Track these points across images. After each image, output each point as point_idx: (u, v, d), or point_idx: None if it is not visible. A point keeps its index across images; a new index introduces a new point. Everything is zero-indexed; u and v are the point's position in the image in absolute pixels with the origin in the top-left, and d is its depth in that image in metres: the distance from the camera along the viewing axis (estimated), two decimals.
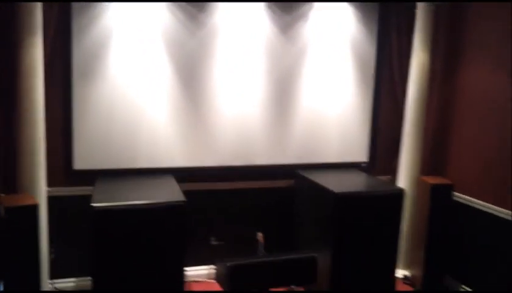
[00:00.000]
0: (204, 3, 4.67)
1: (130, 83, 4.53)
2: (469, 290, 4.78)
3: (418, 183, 5.01)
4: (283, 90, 5.07)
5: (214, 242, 5.07)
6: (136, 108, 4.58)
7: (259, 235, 5.20)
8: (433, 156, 5.31)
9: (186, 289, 3.90)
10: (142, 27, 4.53)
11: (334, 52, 5.20)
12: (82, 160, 4.48)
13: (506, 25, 4.37)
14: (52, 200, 4.24)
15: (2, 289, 3.74)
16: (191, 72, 4.72)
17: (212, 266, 4.99)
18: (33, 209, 3.50)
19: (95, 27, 4.38)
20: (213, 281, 4.91)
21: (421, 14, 4.94)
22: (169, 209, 3.73)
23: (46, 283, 4.20)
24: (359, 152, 5.48)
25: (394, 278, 4.63)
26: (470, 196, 4.78)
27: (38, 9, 3.88)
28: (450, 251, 5.00)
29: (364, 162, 5.51)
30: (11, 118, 3.96)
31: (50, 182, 4.28)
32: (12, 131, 3.95)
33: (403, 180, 5.17)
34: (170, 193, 3.99)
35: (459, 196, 4.91)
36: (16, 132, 3.90)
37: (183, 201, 3.77)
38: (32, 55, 3.84)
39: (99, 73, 4.43)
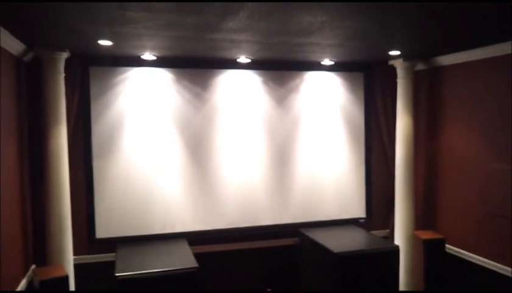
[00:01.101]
0: (207, 83, 5.23)
1: (143, 157, 5.03)
2: None
3: (412, 238, 5.36)
4: (282, 155, 5.54)
5: None
6: (149, 180, 5.05)
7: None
8: (424, 211, 5.71)
9: None
10: (153, 107, 5.08)
11: (327, 118, 5.72)
12: (103, 229, 4.93)
13: (477, 89, 4.86)
14: (77, 267, 4.63)
15: None
16: (198, 145, 5.23)
17: None
18: (65, 279, 3.90)
19: (111, 109, 4.94)
20: None
21: (402, 81, 5.44)
22: (184, 275, 4.11)
23: None
24: (357, 209, 5.88)
25: None
26: (462, 248, 5.11)
27: (62, 95, 4.42)
28: None
29: (362, 218, 5.89)
30: (41, 195, 4.44)
31: (76, 251, 4.70)
32: (41, 207, 4.42)
33: (399, 235, 5.52)
34: (184, 258, 4.38)
35: (452, 249, 5.24)
36: (45, 208, 4.35)
37: (196, 267, 4.16)
38: (57, 140, 4.35)
39: (115, 151, 4.95)
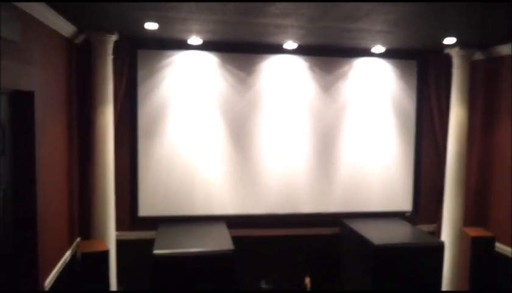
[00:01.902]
0: (252, 68, 5.21)
1: (186, 140, 5.12)
2: None
3: (460, 235, 5.13)
4: (326, 143, 5.44)
5: (264, 286, 5.42)
6: (192, 162, 5.14)
7: (307, 280, 5.49)
8: (474, 208, 5.43)
9: None
10: (198, 90, 5.13)
11: (375, 106, 5.53)
12: (146, 208, 5.08)
13: None
14: (120, 243, 4.82)
15: None
16: (241, 130, 5.24)
17: None
18: (105, 254, 4.06)
19: (157, 92, 5.05)
20: None
21: (458, 71, 5.17)
22: (220, 257, 4.17)
23: None
24: (403, 202, 5.69)
25: None
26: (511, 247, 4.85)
27: (109, 78, 4.57)
28: None
29: (407, 211, 5.70)
30: (87, 172, 4.63)
31: (119, 227, 4.89)
32: (87, 184, 4.61)
33: (446, 230, 5.30)
34: (221, 241, 4.44)
35: (502, 249, 4.97)
36: (90, 185, 4.54)
37: (232, 250, 4.20)
38: (104, 120, 4.51)
39: (160, 133, 5.06)
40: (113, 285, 4.60)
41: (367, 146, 5.54)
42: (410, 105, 5.62)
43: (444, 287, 5.17)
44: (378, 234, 4.81)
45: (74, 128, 4.62)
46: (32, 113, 3.27)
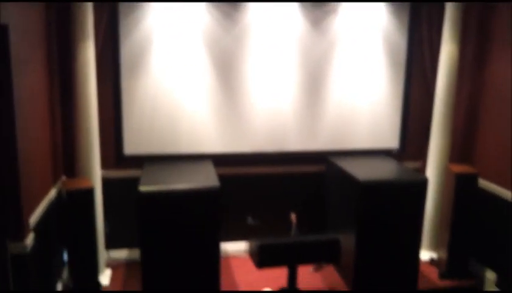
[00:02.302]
0: (238, 3, 4.99)
1: (171, 76, 4.99)
2: (494, 274, 4.95)
3: (445, 171, 5.18)
4: (314, 80, 5.34)
5: (250, 222, 5.51)
6: (177, 99, 5.04)
7: (293, 216, 5.59)
8: (461, 144, 5.46)
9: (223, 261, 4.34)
10: (182, 25, 4.94)
11: (365, 43, 5.39)
12: (131, 146, 5.04)
13: None
14: (105, 181, 4.82)
15: (66, 257, 4.38)
16: (227, 66, 5.11)
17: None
18: (90, 191, 4.06)
19: (140, 27, 4.85)
20: (247, 254, 5.39)
21: (451, 7, 5.01)
22: (205, 193, 4.18)
23: (103, 253, 4.83)
24: (390, 139, 5.69)
25: (417, 261, 4.87)
26: (497, 184, 4.90)
27: (89, 12, 4.38)
28: (476, 236, 5.17)
29: (395, 148, 5.72)
30: (70, 110, 4.53)
31: (104, 166, 4.87)
32: (71, 122, 4.52)
33: (432, 166, 5.36)
34: (207, 178, 4.43)
35: (485, 184, 5.04)
36: (74, 123, 4.45)
37: (217, 187, 4.21)
38: (85, 56, 4.36)
39: (143, 69, 4.91)
40: (100, 223, 4.64)
41: (356, 83, 5.46)
42: (401, 41, 5.49)
43: (427, 223, 5.28)
44: (363, 171, 4.83)
45: (55, 64, 4.46)
46: (6, 48, 3.13)
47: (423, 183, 4.73)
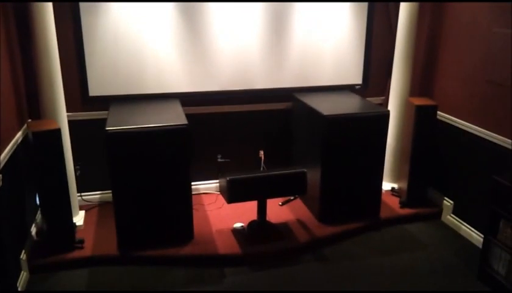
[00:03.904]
0: None
1: (132, 14, 4.85)
2: (451, 202, 5.28)
3: (405, 104, 5.36)
4: (278, 17, 5.32)
5: (220, 160, 5.62)
6: (140, 39, 4.94)
7: (261, 153, 5.74)
8: (422, 78, 5.64)
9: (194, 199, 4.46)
10: None
11: None
12: (96, 87, 4.98)
13: None
14: (72, 123, 4.79)
15: (38, 201, 4.41)
16: (191, 4, 4.99)
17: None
18: (57, 132, 4.03)
19: None
20: (218, 192, 5.56)
21: None
22: (173, 132, 4.22)
23: (75, 196, 4.87)
24: (353, 75, 5.81)
25: (380, 190, 5.14)
26: (454, 116, 5.12)
27: None
28: (434, 166, 5.46)
29: (358, 84, 5.85)
30: (29, 51, 4.40)
31: (70, 108, 4.82)
32: (31, 63, 4.40)
33: (393, 100, 5.54)
34: (175, 117, 4.46)
35: (444, 116, 5.26)
36: (34, 63, 4.32)
37: (185, 124, 4.25)
38: None
39: (104, 5, 4.75)
40: (70, 166, 4.64)
41: (319, 21, 5.46)
42: None
43: (388, 155, 5.51)
44: (327, 106, 4.96)
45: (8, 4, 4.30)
46: None
47: (386, 116, 4.90)
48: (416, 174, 5.31)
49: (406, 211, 5.36)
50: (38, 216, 4.74)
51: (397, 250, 4.76)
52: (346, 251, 4.74)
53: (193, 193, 4.66)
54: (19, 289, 3.82)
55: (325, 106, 4.95)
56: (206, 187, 5.72)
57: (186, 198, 4.47)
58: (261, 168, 5.75)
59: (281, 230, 4.87)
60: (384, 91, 5.90)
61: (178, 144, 4.28)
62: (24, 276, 4.03)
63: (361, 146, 4.89)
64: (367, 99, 5.56)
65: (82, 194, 5.26)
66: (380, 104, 5.85)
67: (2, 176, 3.45)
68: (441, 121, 5.29)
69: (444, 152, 5.34)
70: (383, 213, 5.24)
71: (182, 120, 4.35)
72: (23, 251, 4.14)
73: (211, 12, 5.08)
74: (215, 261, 4.44)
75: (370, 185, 5.08)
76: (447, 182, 5.35)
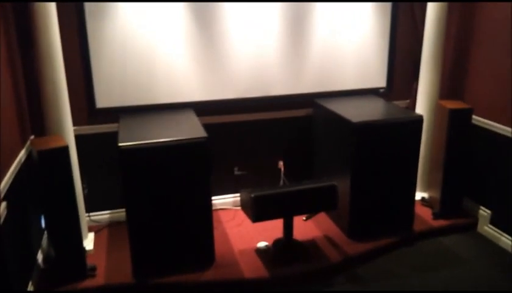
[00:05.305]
0: None
1: (142, 19, 4.48)
2: (488, 211, 4.90)
3: (437, 107, 5.00)
4: (297, 19, 4.95)
5: (237, 172, 5.24)
6: (150, 46, 4.56)
7: (280, 164, 5.36)
8: (452, 79, 5.27)
9: (214, 216, 4.11)
10: None
11: None
12: (104, 99, 4.59)
13: None
14: (79, 138, 4.39)
15: (43, 223, 4.01)
16: (203, 7, 4.63)
17: (236, 194, 5.21)
18: (64, 150, 3.64)
19: None
20: (238, 208, 5.15)
21: None
22: (192, 145, 3.84)
23: (84, 217, 4.47)
24: (377, 78, 5.44)
25: (413, 202, 4.76)
26: (490, 119, 4.76)
27: None
28: (469, 174, 5.08)
29: (382, 88, 5.48)
30: (32, 62, 4.01)
31: (76, 122, 4.43)
32: (34, 74, 4.01)
33: (422, 104, 5.17)
34: (192, 128, 4.09)
35: (479, 120, 4.90)
36: (38, 74, 3.93)
37: (205, 137, 3.87)
38: None
39: (111, 10, 4.37)
40: (78, 184, 4.25)
41: (340, 21, 5.10)
42: None
43: (421, 160, 5.13)
44: (354, 112, 4.59)
45: (10, 10, 3.91)
46: None
47: (419, 121, 4.53)
48: (450, 182, 4.94)
49: (440, 223, 4.98)
50: (44, 240, 4.34)
51: (436, 266, 4.38)
52: (381, 269, 4.36)
53: None
54: None
55: (352, 112, 4.58)
56: (222, 201, 5.33)
57: (206, 217, 4.08)
58: (281, 181, 5.36)
59: (309, 248, 4.48)
60: (410, 94, 5.53)
61: (197, 158, 3.89)
62: None
63: (393, 154, 4.51)
64: (392, 103, 5.20)
65: (90, 214, 4.86)
66: (406, 108, 5.48)
67: (7, 203, 3.06)
68: (475, 124, 4.92)
69: (479, 158, 4.97)
70: (416, 226, 4.86)
71: (200, 132, 3.97)
72: (30, 282, 3.74)
73: (225, 13, 4.70)
74: (240, 286, 4.05)
75: (402, 196, 4.70)
76: (483, 190, 4.98)
